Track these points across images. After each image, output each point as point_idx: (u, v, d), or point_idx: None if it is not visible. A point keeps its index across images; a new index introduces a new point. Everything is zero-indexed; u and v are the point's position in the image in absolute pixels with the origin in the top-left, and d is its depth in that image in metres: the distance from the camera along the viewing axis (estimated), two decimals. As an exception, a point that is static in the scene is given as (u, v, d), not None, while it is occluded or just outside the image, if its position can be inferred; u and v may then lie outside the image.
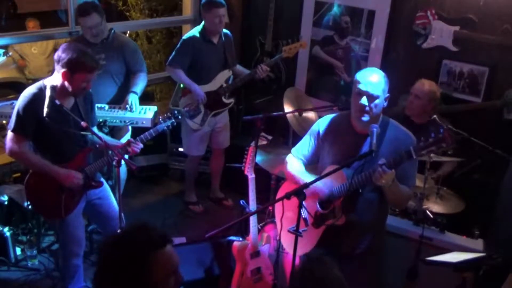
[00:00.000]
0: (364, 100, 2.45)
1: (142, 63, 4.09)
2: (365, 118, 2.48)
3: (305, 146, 2.80)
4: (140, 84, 3.97)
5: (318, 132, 2.72)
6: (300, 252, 2.71)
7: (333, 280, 1.73)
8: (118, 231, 2.94)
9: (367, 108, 2.46)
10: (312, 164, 2.82)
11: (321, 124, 2.73)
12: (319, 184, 2.55)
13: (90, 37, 3.72)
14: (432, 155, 3.13)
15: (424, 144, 2.28)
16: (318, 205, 2.66)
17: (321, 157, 2.74)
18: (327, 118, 2.74)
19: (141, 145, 3.10)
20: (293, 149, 2.89)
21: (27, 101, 2.88)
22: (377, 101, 2.47)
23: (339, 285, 1.72)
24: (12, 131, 2.93)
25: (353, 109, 2.53)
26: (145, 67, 4.14)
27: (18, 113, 2.90)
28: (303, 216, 2.50)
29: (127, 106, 3.80)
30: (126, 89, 3.94)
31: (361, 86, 2.46)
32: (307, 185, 2.42)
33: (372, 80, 2.46)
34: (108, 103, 3.88)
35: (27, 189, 3.07)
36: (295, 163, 2.82)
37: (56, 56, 2.88)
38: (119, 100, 3.91)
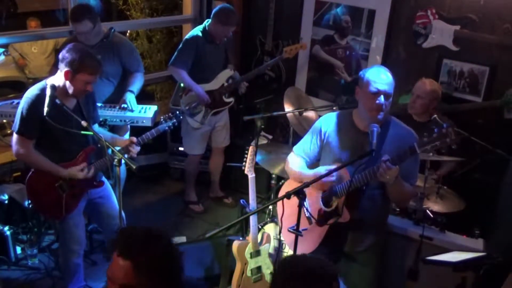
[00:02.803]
0: (382, 99, 2.46)
1: (139, 63, 4.07)
2: (381, 116, 2.50)
3: (307, 144, 2.80)
4: (136, 84, 3.96)
5: (320, 130, 2.72)
6: (305, 250, 2.72)
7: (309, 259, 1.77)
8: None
9: (384, 107, 2.48)
10: (314, 162, 2.82)
11: (323, 121, 2.73)
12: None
13: (83, 40, 3.69)
14: (432, 154, 3.12)
15: (428, 140, 2.29)
16: (321, 203, 2.66)
17: (323, 155, 2.74)
18: (330, 115, 2.74)
19: (138, 148, 3.10)
20: (295, 147, 2.89)
21: (30, 103, 2.89)
22: (390, 99, 2.51)
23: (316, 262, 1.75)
24: (17, 133, 2.94)
25: (366, 108, 2.51)
26: (142, 67, 4.12)
27: (21, 115, 2.91)
28: (307, 215, 2.50)
29: (124, 105, 3.80)
30: (122, 89, 3.93)
31: (379, 86, 2.46)
32: (307, 184, 2.42)
33: (386, 79, 2.49)
34: (104, 103, 3.87)
35: (28, 188, 3.08)
36: (297, 160, 2.82)
37: (60, 55, 2.90)
38: (115, 100, 3.90)
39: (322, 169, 2.57)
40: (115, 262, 1.69)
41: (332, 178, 2.55)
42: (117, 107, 3.81)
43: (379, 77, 2.48)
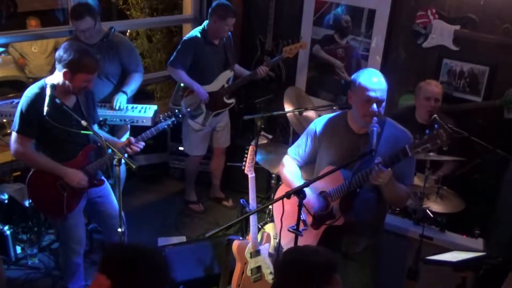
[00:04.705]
0: (375, 107, 2.44)
1: (138, 63, 4.06)
2: (374, 120, 2.47)
3: (301, 146, 2.79)
4: (132, 85, 3.95)
5: (315, 132, 2.71)
6: None
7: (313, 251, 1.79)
8: (119, 230, 2.95)
9: (377, 113, 2.46)
10: (309, 164, 2.81)
11: (318, 124, 2.72)
12: (310, 198, 2.56)
13: (84, 39, 3.68)
14: (431, 153, 3.13)
15: (419, 142, 2.28)
16: (316, 206, 2.66)
17: (318, 157, 2.73)
18: (324, 118, 2.73)
19: (142, 144, 3.12)
20: (290, 149, 2.88)
21: (30, 102, 2.89)
22: (383, 104, 2.48)
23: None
24: (16, 132, 2.94)
25: (359, 113, 2.49)
26: (141, 67, 4.11)
27: (21, 113, 2.91)
28: (302, 218, 2.50)
29: (114, 105, 3.79)
30: (119, 88, 3.93)
31: (372, 93, 2.43)
32: (307, 184, 2.42)
33: (380, 86, 2.45)
34: (101, 102, 3.87)
35: (29, 187, 3.08)
36: (291, 166, 2.80)
37: (57, 55, 2.88)
38: (111, 99, 3.90)
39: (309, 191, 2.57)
40: (97, 278, 1.66)
41: (316, 208, 2.59)
42: (107, 106, 3.80)
43: (372, 83, 2.44)
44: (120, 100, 3.82)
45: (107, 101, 3.87)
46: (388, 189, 2.47)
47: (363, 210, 2.58)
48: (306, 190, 2.51)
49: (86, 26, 3.63)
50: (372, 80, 2.46)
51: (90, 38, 3.70)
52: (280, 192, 2.87)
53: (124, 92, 3.88)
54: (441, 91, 3.56)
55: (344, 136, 2.60)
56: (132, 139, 3.11)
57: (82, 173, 3.02)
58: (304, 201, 2.43)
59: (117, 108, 3.79)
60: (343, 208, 2.55)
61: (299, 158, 2.81)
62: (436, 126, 2.25)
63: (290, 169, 2.79)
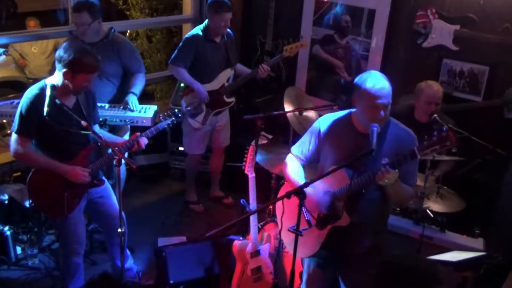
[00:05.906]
0: (382, 113, 2.43)
1: (139, 64, 4.05)
2: (380, 123, 2.47)
3: (305, 144, 2.78)
4: (138, 85, 3.95)
5: (319, 131, 2.70)
6: (305, 254, 2.71)
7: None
8: (119, 230, 2.95)
9: (384, 117, 2.45)
10: (312, 163, 2.81)
11: (322, 122, 2.71)
12: (315, 197, 2.57)
13: (81, 35, 3.68)
14: (435, 154, 3.12)
15: (428, 143, 2.27)
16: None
17: (322, 156, 2.72)
18: (328, 116, 2.72)
19: (146, 140, 3.13)
20: (293, 148, 2.87)
21: (29, 102, 2.89)
22: (389, 106, 2.47)
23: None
24: (16, 132, 2.94)
25: (367, 118, 2.47)
26: (143, 67, 4.10)
27: (21, 114, 2.91)
28: (306, 218, 2.50)
29: (127, 106, 3.80)
30: (123, 89, 3.92)
31: (380, 100, 2.41)
32: (307, 184, 2.41)
33: (386, 91, 2.43)
34: (110, 102, 3.86)
35: (30, 187, 3.08)
36: (294, 166, 2.79)
37: (57, 54, 2.88)
38: (116, 101, 3.89)
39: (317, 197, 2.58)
40: None
41: (322, 209, 2.57)
42: (121, 108, 3.80)
43: (379, 90, 2.42)
44: (133, 101, 3.82)
45: (112, 102, 3.87)
46: (393, 190, 2.47)
47: (368, 210, 2.58)
48: (310, 189, 2.51)
49: (81, 21, 3.62)
50: (378, 86, 2.43)
51: (84, 35, 3.68)
52: (283, 191, 2.86)
53: (134, 93, 3.87)
54: (441, 93, 3.55)
55: (349, 136, 2.60)
56: (138, 134, 3.12)
57: (83, 169, 3.02)
58: (310, 200, 2.42)
59: (135, 109, 3.78)
60: (349, 208, 2.54)
61: (302, 157, 2.79)
62: (444, 128, 2.25)
63: (293, 169, 2.78)
